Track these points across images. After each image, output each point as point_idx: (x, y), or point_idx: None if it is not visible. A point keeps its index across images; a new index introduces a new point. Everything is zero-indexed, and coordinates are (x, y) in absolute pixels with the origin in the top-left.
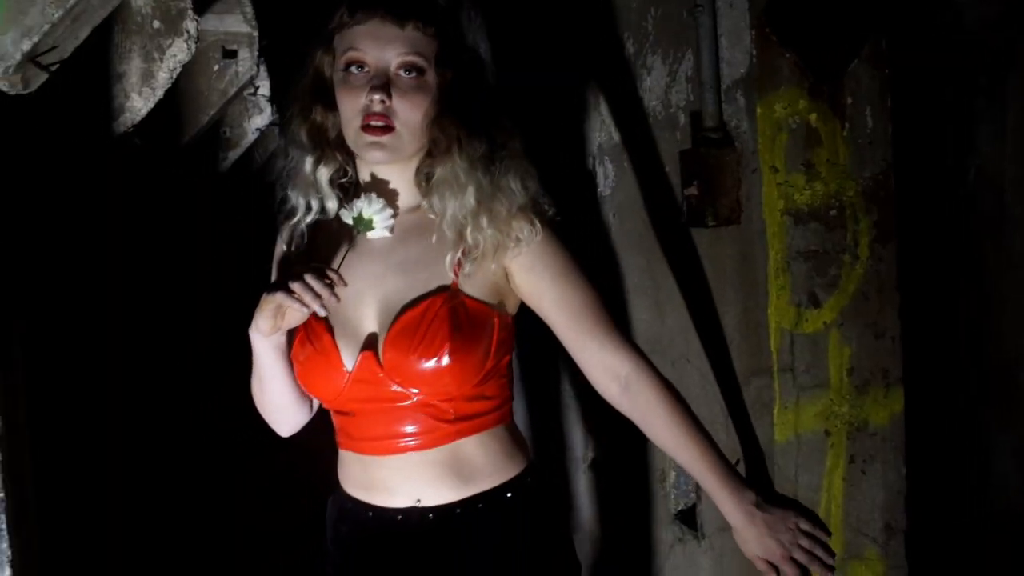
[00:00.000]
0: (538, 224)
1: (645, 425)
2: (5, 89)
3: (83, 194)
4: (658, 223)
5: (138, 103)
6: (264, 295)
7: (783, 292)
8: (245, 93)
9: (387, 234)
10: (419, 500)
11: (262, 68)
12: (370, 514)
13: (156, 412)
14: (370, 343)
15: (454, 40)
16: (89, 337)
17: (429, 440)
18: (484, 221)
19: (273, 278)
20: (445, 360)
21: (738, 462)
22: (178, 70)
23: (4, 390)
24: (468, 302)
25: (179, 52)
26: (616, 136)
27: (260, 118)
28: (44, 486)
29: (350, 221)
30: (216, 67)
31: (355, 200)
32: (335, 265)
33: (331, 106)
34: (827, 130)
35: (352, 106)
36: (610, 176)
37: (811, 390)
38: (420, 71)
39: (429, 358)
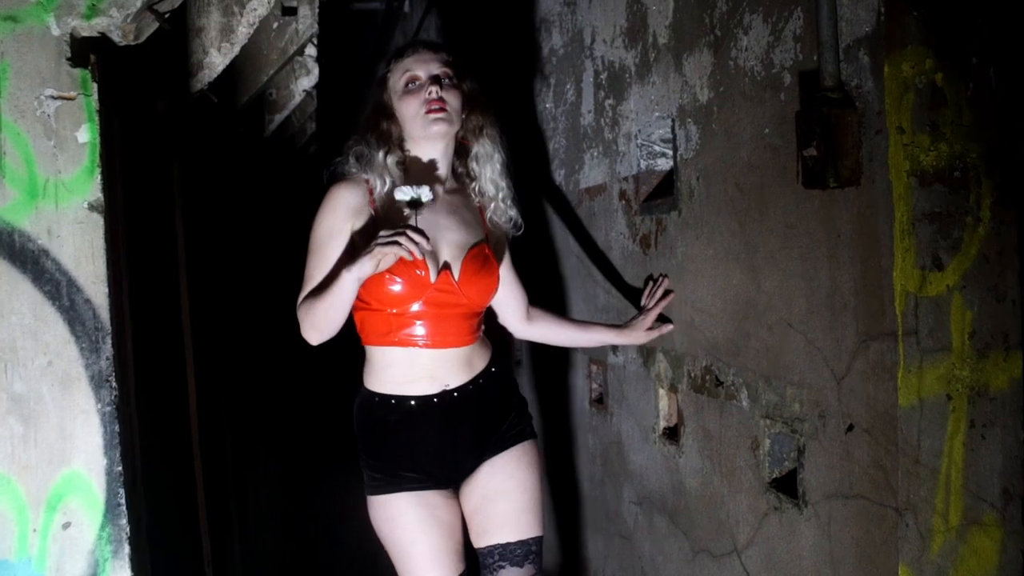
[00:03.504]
0: (520, 221)
1: (546, 334)
2: (116, 40)
3: (162, 153)
4: (754, 186)
5: (216, 59)
6: (376, 248)
7: (908, 254)
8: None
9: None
10: (447, 385)
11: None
12: (412, 403)
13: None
14: (445, 267)
15: (465, 66)
16: (164, 296)
17: (464, 341)
18: (502, 204)
19: (332, 220)
20: (493, 282)
21: (851, 427)
22: (256, 25)
23: (119, 360)
24: (492, 250)
25: (259, 6)
26: (703, 97)
27: (307, 79)
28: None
29: (406, 198)
30: (276, 25)
31: (407, 186)
32: (412, 222)
33: (392, 118)
34: (952, 90)
35: (416, 103)
36: (693, 139)
37: (934, 354)
38: (451, 79)
39: (488, 279)
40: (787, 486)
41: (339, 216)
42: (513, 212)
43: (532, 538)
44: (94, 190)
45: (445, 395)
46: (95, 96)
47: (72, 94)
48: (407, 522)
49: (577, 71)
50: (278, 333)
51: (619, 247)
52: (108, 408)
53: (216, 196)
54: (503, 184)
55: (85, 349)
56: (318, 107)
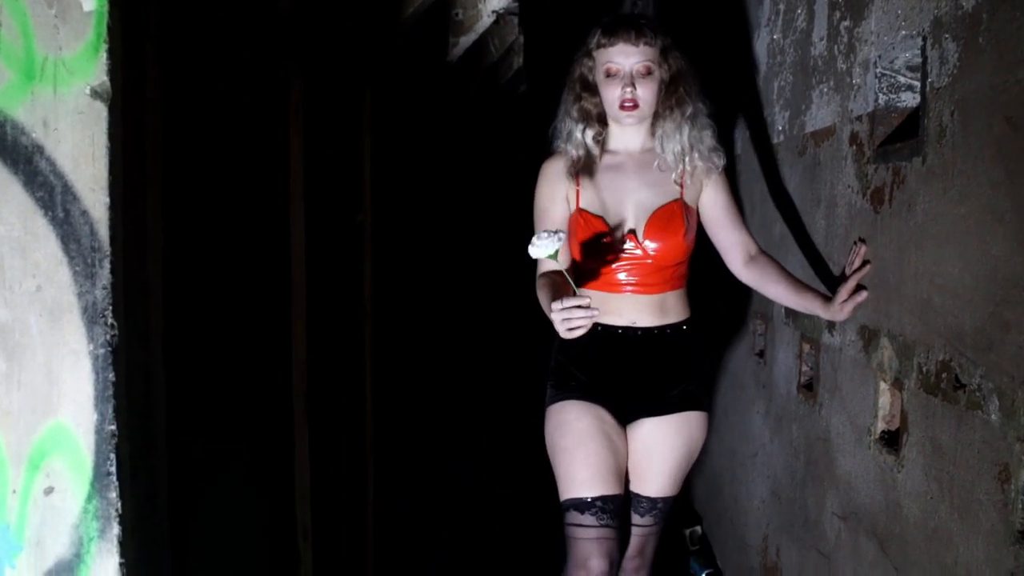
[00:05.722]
0: (724, 158)
1: (761, 282)
2: None
3: (280, 61)
4: None
5: None
6: (565, 331)
7: None
8: None
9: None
10: (635, 322)
11: None
12: (599, 328)
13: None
14: (631, 229)
15: (666, 48)
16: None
17: (652, 289)
18: (696, 155)
19: (548, 189)
20: (679, 240)
21: None
22: None
23: (124, 291)
24: (688, 207)
25: None
26: (968, 3)
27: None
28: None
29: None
30: None
31: (542, 237)
32: (602, 180)
33: (594, 93)
34: None
35: (613, 94)
36: (950, 60)
37: None
38: (649, 70)
39: (673, 237)
40: None
41: (552, 186)
42: (700, 164)
43: (662, 498)
44: (98, 72)
45: (629, 330)
46: None
47: None
48: (575, 429)
49: None
50: (443, 290)
51: (844, 203)
52: (102, 350)
53: (369, 119)
54: (691, 144)
55: (79, 274)
56: (530, 42)
